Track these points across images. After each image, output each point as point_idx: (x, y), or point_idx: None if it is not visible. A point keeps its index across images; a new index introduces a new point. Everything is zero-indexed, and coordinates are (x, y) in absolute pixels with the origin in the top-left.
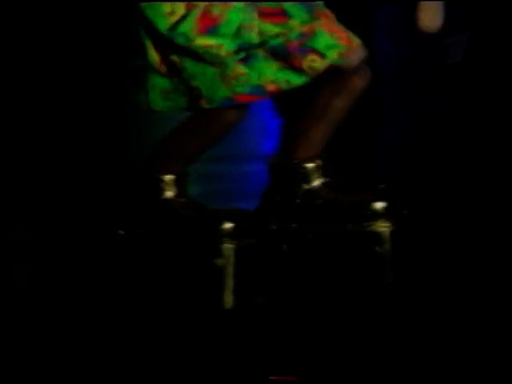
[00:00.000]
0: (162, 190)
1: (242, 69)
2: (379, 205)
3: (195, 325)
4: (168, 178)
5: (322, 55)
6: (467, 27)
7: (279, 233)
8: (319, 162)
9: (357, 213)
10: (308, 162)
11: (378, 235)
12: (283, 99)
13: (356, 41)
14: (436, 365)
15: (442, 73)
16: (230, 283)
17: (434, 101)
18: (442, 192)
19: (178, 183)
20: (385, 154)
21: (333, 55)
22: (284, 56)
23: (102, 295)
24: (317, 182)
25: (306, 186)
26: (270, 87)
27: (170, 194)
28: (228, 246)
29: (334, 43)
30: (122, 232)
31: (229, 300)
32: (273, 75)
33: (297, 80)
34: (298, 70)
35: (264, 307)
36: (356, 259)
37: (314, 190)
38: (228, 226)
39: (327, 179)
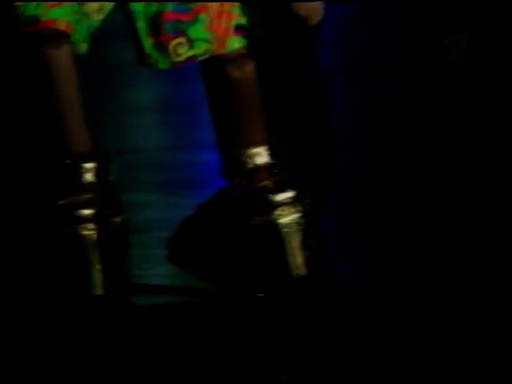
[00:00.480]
0: (80, 176)
1: (20, 4)
2: (276, 196)
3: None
4: (88, 165)
5: (191, 44)
6: (467, 27)
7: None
8: (259, 148)
9: (255, 203)
10: (249, 149)
11: (276, 226)
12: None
13: (232, 40)
14: (436, 365)
15: (441, 73)
16: (95, 269)
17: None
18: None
19: (98, 169)
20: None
21: (200, 49)
22: (157, 28)
23: None
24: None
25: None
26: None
27: (88, 179)
28: (88, 232)
29: (207, 37)
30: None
31: (97, 286)
32: (149, 50)
33: (161, 63)
34: (164, 51)
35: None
36: (262, 253)
37: (243, 181)
38: (85, 212)
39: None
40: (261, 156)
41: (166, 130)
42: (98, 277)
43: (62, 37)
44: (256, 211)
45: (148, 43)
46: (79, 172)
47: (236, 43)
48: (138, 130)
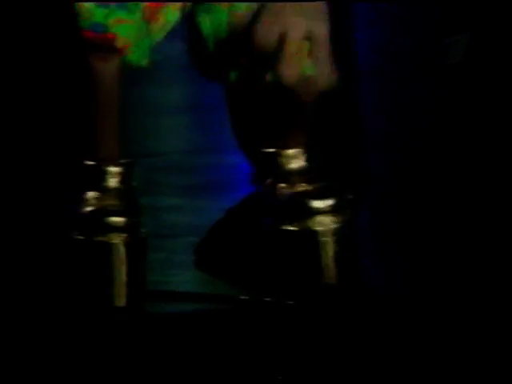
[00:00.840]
0: (105, 180)
1: (87, 6)
2: (316, 202)
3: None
4: (113, 169)
5: None
6: (467, 27)
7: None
8: (296, 151)
9: (293, 208)
10: (284, 151)
11: (314, 233)
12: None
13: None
14: (436, 365)
15: (441, 73)
16: (121, 280)
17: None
18: (438, 188)
19: (123, 174)
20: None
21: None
22: None
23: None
24: (286, 172)
25: (273, 178)
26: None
27: (113, 184)
28: (117, 241)
29: None
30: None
31: (120, 297)
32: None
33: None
34: None
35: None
36: (295, 260)
37: (278, 182)
38: (115, 219)
39: (300, 168)
40: (298, 159)
41: (193, 132)
42: (122, 287)
43: (112, 51)
44: (292, 216)
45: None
46: (104, 176)
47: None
48: (164, 132)
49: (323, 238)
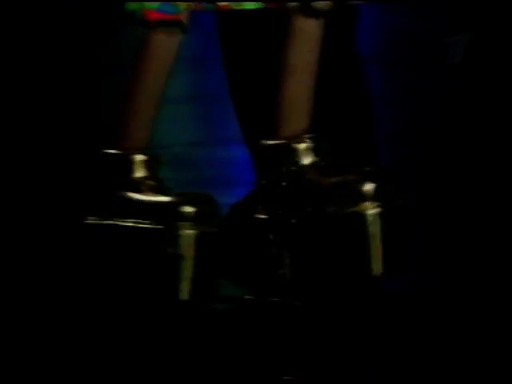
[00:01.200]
0: (131, 171)
1: None
2: (366, 186)
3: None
4: (138, 158)
5: None
6: (467, 27)
7: (264, 220)
8: (309, 141)
9: (341, 194)
10: (297, 142)
11: (363, 217)
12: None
13: None
14: (436, 365)
15: (441, 73)
16: (187, 272)
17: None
18: (440, 186)
19: (149, 164)
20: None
21: None
22: None
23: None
24: (305, 163)
25: (293, 168)
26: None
27: (139, 174)
28: (187, 232)
29: None
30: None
31: (185, 290)
32: None
33: (248, 5)
34: None
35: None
36: (342, 247)
37: (301, 172)
38: (188, 209)
39: (317, 159)
40: (313, 151)
41: (196, 124)
42: (188, 281)
43: (174, 23)
44: (341, 201)
45: None
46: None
47: None
48: (165, 124)
49: (371, 221)
